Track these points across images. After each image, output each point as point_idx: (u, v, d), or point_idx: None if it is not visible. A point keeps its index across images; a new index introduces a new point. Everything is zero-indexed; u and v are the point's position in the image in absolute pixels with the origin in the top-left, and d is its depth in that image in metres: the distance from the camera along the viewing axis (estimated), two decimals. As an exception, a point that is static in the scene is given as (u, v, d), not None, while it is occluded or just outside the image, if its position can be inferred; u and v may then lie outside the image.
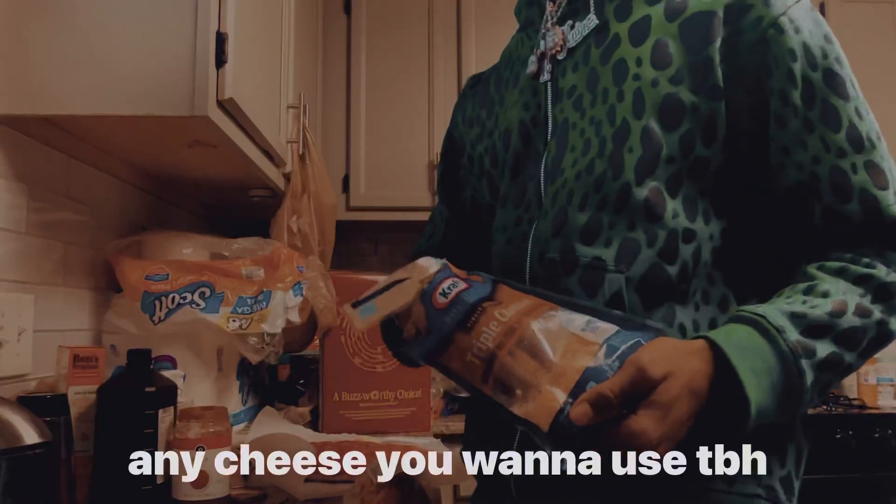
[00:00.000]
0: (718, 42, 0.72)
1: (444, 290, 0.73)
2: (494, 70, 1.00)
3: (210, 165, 1.43)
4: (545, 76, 0.85)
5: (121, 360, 1.15)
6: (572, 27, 0.84)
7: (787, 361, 0.65)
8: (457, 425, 1.95)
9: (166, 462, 0.95)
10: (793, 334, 0.66)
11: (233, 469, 1.02)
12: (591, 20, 0.82)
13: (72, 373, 0.97)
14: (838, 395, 2.40)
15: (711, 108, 0.72)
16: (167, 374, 1.06)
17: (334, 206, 1.79)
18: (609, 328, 0.66)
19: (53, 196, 1.19)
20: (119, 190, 1.43)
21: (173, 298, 1.26)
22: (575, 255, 0.76)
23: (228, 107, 1.13)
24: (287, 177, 1.69)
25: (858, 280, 0.70)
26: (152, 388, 0.96)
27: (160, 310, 1.25)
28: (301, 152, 1.68)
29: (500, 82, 0.96)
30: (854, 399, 2.35)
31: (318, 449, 1.15)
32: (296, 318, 1.44)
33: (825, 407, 2.21)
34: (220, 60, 1.08)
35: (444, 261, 0.77)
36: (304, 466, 1.07)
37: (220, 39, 1.08)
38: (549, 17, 0.87)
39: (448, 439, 1.91)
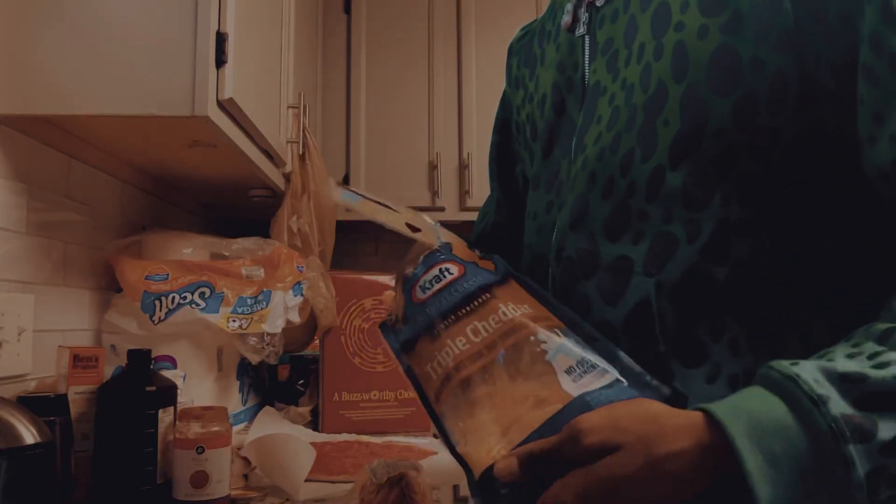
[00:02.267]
0: None
1: (425, 283, 0.62)
2: (542, 19, 0.83)
3: (210, 165, 1.43)
4: (581, 29, 0.70)
5: (121, 360, 1.15)
6: None
7: (824, 446, 0.46)
8: (457, 425, 1.95)
9: (166, 462, 0.95)
10: (838, 406, 0.46)
11: (233, 469, 1.02)
12: None
13: (72, 373, 0.97)
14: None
15: (780, 63, 0.54)
16: (167, 374, 1.06)
17: (334, 206, 1.79)
18: (601, 378, 0.53)
19: (53, 196, 1.19)
20: (119, 190, 1.43)
21: (173, 298, 1.26)
22: (596, 253, 0.62)
23: (228, 107, 1.13)
24: (287, 177, 1.69)
25: None
26: (152, 388, 0.96)
27: (160, 310, 1.25)
28: (301, 152, 1.68)
29: (543, 35, 0.80)
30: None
31: (318, 449, 1.15)
32: (296, 318, 1.45)
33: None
34: (220, 60, 1.07)
35: (448, 241, 0.67)
36: (304, 466, 1.07)
37: (220, 39, 1.08)
38: None
39: (448, 439, 1.91)
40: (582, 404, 0.52)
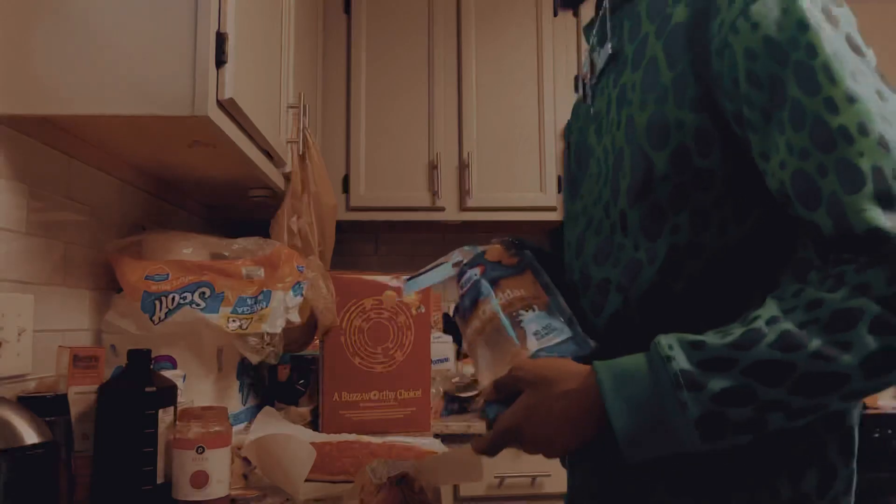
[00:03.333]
0: (692, 54, 0.70)
1: (462, 283, 0.90)
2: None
3: (210, 165, 1.43)
4: (588, 100, 0.88)
5: (121, 360, 1.15)
6: (599, 53, 0.86)
7: (666, 392, 0.63)
8: (457, 425, 1.95)
9: (166, 462, 0.95)
10: (679, 364, 0.63)
11: (233, 469, 1.02)
12: (607, 49, 0.83)
13: (72, 373, 0.97)
14: (838, 395, 2.40)
15: (697, 121, 0.70)
16: (167, 374, 1.06)
17: (334, 206, 1.79)
18: (558, 337, 0.78)
19: (53, 196, 1.19)
20: (119, 190, 1.44)
21: (173, 298, 1.26)
22: (588, 276, 0.81)
23: (228, 107, 1.13)
24: (287, 177, 1.69)
25: (811, 305, 0.61)
26: (152, 388, 0.96)
27: (160, 310, 1.25)
28: (301, 152, 1.68)
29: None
30: (854, 399, 2.34)
31: (318, 449, 1.15)
32: (296, 318, 1.44)
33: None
34: (220, 60, 1.08)
35: (480, 249, 0.92)
36: (304, 466, 1.07)
37: (220, 39, 1.08)
38: (591, 41, 0.90)
39: (448, 439, 1.91)
40: (534, 357, 0.77)
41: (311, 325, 1.56)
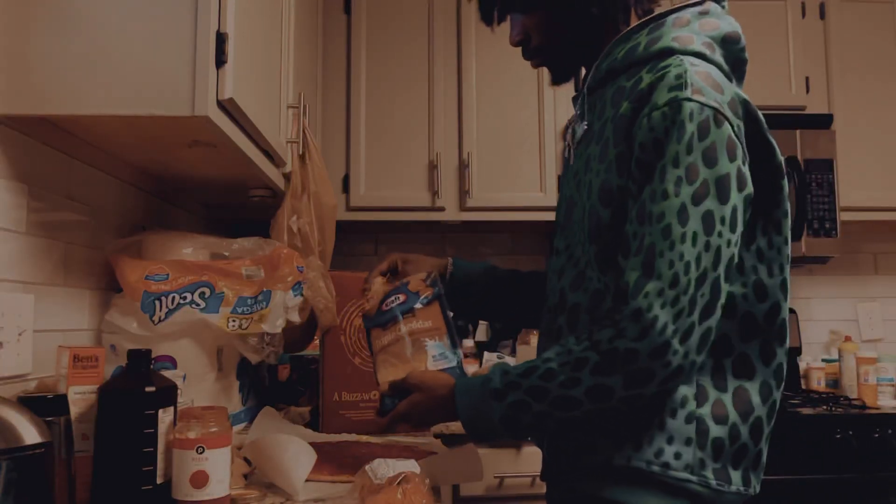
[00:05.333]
0: (629, 138, 0.94)
1: (386, 302, 1.18)
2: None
3: (210, 165, 1.43)
4: (571, 160, 1.10)
5: (121, 360, 1.15)
6: (579, 126, 1.08)
7: (485, 400, 0.94)
8: (457, 425, 1.95)
9: (166, 462, 0.95)
10: (493, 384, 0.94)
11: (233, 469, 1.02)
12: (583, 126, 1.07)
13: (72, 373, 0.97)
14: (838, 396, 2.40)
15: (635, 188, 0.93)
16: (167, 374, 1.06)
17: (334, 206, 1.79)
18: (447, 362, 1.11)
19: (53, 196, 1.19)
20: (119, 190, 1.44)
21: (173, 298, 1.26)
22: (565, 300, 1.03)
23: (228, 107, 1.13)
24: (287, 177, 1.69)
25: (567, 353, 0.91)
26: (152, 388, 0.96)
27: (160, 310, 1.25)
28: (301, 152, 1.68)
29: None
30: (854, 399, 2.34)
31: (318, 449, 1.15)
32: (296, 318, 1.45)
33: (825, 407, 2.21)
34: (220, 60, 1.08)
35: (405, 280, 1.19)
36: (304, 467, 1.07)
37: (220, 39, 1.08)
38: (575, 113, 1.12)
39: (448, 439, 1.91)
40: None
41: (311, 325, 1.56)
